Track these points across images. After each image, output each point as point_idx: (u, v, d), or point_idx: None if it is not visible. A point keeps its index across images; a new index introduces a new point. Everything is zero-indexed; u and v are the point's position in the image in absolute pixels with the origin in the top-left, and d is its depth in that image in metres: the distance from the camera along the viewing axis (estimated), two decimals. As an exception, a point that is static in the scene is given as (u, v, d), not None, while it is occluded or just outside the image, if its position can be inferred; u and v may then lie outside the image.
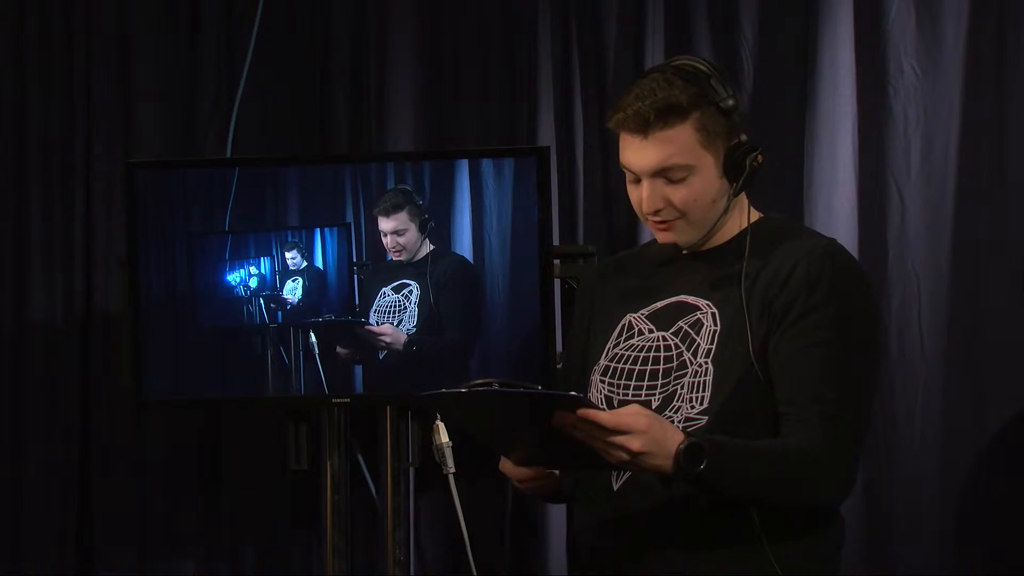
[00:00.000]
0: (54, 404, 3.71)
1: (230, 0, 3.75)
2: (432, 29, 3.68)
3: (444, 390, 2.21)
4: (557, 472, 2.42)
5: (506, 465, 2.39)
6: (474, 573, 2.37)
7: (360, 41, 3.70)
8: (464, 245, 3.27)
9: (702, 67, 2.32)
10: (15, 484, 3.71)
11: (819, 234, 2.46)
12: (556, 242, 3.41)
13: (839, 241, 2.41)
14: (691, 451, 2.13)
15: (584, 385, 2.45)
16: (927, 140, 3.29)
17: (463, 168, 3.27)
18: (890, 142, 3.31)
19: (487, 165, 3.26)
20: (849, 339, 2.27)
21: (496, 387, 2.19)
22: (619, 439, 2.10)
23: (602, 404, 2.38)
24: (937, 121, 3.29)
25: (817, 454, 2.22)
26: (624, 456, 2.11)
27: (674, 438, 2.13)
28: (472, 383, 2.25)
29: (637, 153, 2.31)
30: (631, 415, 2.11)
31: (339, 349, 3.29)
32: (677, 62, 2.35)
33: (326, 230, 3.30)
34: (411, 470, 3.47)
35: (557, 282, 3.32)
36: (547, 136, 3.55)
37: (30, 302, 3.72)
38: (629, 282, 2.48)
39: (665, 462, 2.13)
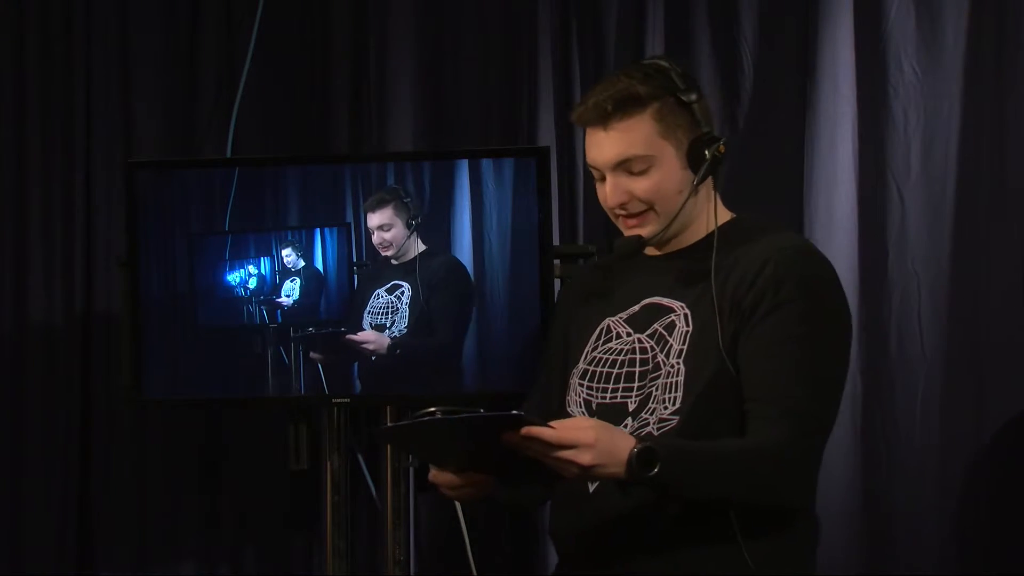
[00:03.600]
0: (54, 404, 3.70)
1: (230, 1, 3.75)
2: (432, 29, 3.68)
3: (389, 425, 2.21)
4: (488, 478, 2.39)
5: (437, 477, 2.37)
6: (474, 573, 2.37)
7: (360, 41, 3.70)
8: (464, 245, 3.26)
9: (664, 63, 2.37)
10: (15, 484, 3.71)
11: (791, 232, 2.47)
12: (556, 242, 3.41)
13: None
14: (643, 456, 2.11)
15: (563, 387, 2.46)
16: (927, 140, 3.29)
17: (463, 168, 3.27)
18: (890, 142, 3.31)
19: (487, 165, 3.26)
20: (816, 337, 2.26)
21: (439, 415, 2.17)
22: (566, 454, 2.08)
23: (581, 407, 2.39)
24: (937, 121, 3.29)
25: (778, 452, 2.21)
26: (575, 471, 2.10)
27: (624, 445, 2.12)
28: (416, 414, 2.22)
29: (599, 147, 2.34)
30: (575, 429, 2.10)
31: (315, 355, 3.28)
32: (644, 61, 2.41)
33: (326, 230, 3.30)
34: (411, 470, 3.47)
35: (557, 282, 3.32)
36: (547, 136, 3.55)
37: (30, 302, 3.72)
38: (607, 285, 2.49)
39: (618, 470, 2.11)
